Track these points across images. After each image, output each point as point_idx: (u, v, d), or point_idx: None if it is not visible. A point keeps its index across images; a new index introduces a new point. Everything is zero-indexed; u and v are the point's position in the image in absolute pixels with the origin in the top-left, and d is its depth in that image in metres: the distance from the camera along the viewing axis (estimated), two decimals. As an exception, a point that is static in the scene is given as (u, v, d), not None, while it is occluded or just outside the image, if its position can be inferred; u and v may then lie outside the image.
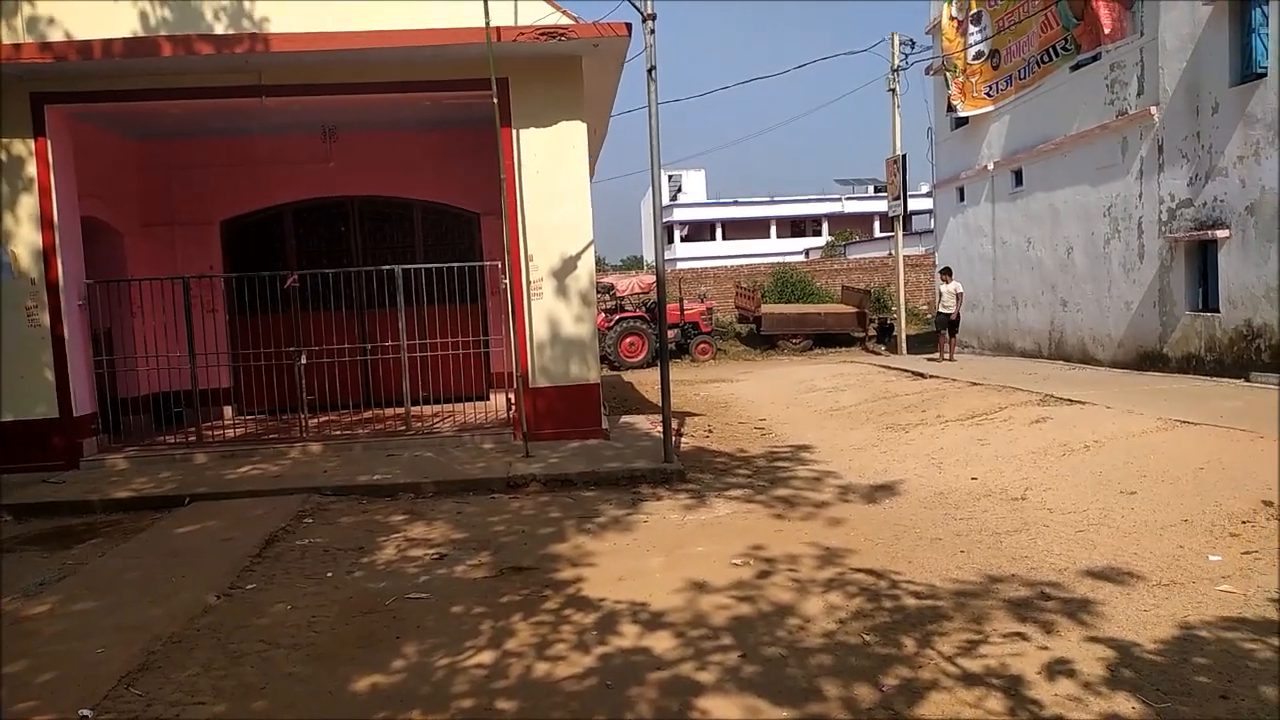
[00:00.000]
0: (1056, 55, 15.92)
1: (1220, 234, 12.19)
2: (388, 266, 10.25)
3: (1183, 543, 5.78)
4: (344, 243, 12.95)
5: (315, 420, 11.03)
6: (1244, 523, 5.95)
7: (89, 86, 9.44)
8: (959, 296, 17.29)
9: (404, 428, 10.41)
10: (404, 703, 3.96)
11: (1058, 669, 4.01)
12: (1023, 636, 4.40)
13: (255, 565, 6.10)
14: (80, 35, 9.00)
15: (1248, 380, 11.63)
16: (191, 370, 10.11)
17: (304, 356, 10.16)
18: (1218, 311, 12.48)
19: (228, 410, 12.18)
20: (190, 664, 4.46)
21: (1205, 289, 12.97)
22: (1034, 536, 6.20)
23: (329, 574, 5.86)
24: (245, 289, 10.77)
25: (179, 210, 12.62)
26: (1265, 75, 11.29)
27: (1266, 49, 11.25)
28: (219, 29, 9.31)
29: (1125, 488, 7.01)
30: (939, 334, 17.82)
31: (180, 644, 4.71)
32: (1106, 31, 14.22)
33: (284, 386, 10.67)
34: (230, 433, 10.74)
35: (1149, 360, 13.87)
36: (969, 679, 3.96)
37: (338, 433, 10.50)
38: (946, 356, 17.44)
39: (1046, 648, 4.25)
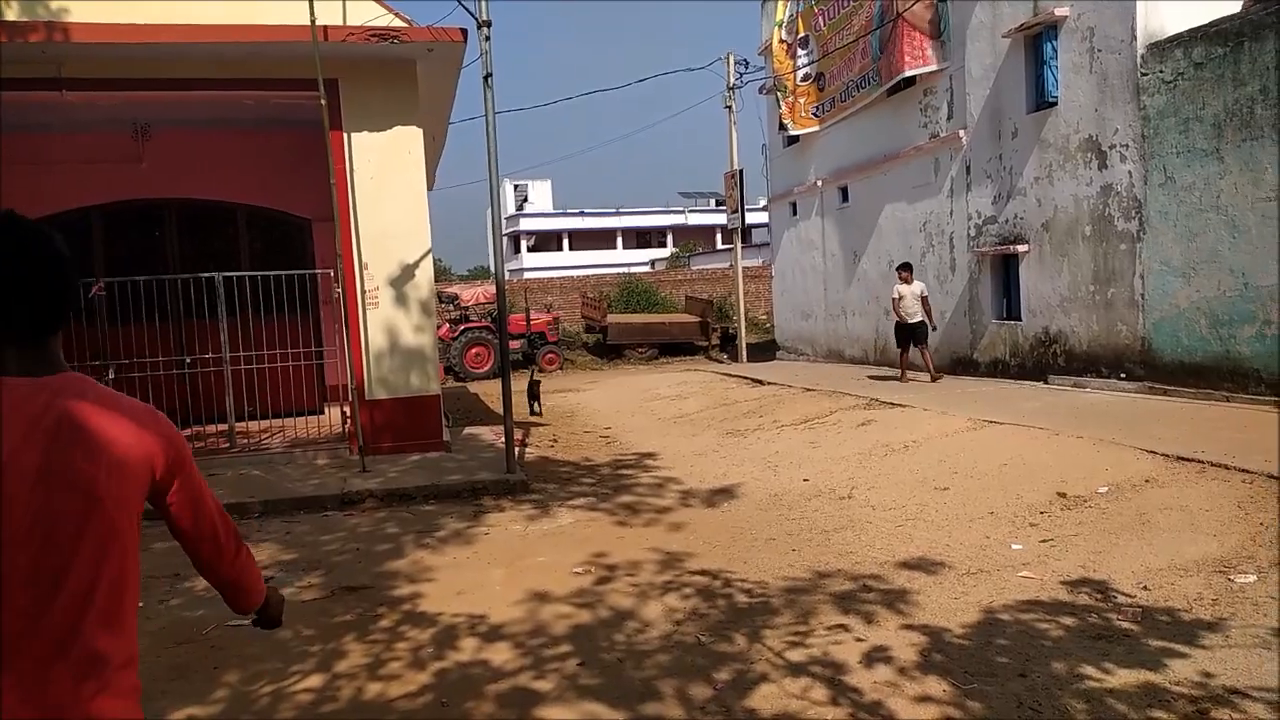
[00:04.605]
0: (869, 84, 16.98)
1: (1020, 248, 13.30)
2: (208, 274, 9.66)
3: (989, 533, 6.25)
4: (159, 249, 12.06)
5: (128, 439, 10.23)
6: (1041, 513, 6.49)
7: None
8: (924, 299, 13.42)
9: (228, 445, 9.83)
10: (222, 736, 3.74)
11: (876, 657, 4.24)
12: (845, 628, 4.64)
13: (54, 599, 5.58)
14: None
15: (1046, 382, 12.72)
16: (-20, 388, 9.17)
17: (111, 371, 9.41)
18: (1020, 320, 13.60)
19: (25, 431, 11.10)
20: (-28, 711, 4.03)
21: (1009, 299, 14.11)
22: (859, 533, 6.54)
23: (140, 604, 5.44)
24: (44, 298, 9.86)
25: (-34, 212, 11.42)
26: (1056, 104, 12.43)
27: (1057, 80, 12.39)
28: (11, 15, 8.52)
29: (939, 484, 7.52)
30: (901, 350, 13.83)
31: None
32: (908, 61, 15.24)
33: (91, 404, 9.82)
34: (28, 455, 9.81)
35: (961, 365, 14.93)
36: (796, 670, 4.13)
37: (153, 452, 9.78)
38: (933, 374, 13.59)
39: (865, 638, 4.49)
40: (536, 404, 14.13)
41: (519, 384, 12.77)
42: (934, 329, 14.00)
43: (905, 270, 13.75)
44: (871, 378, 15.00)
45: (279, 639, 4.81)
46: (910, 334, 13.52)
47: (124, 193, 11.94)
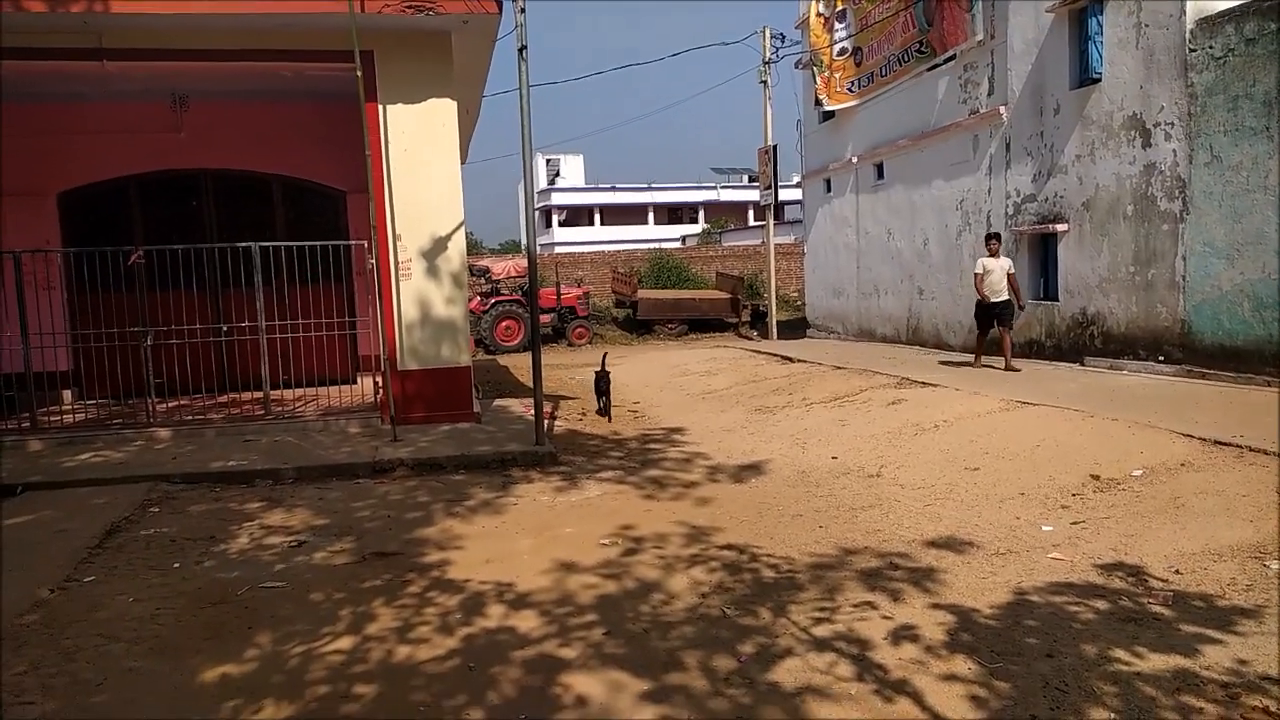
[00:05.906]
0: (913, 57, 16.69)
1: (1060, 228, 13.07)
2: (244, 244, 9.77)
3: (1019, 514, 6.19)
4: (196, 218, 12.22)
5: (165, 405, 10.43)
6: (1073, 495, 6.42)
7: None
8: (1011, 276, 12.11)
9: (263, 412, 9.97)
10: (256, 692, 3.82)
11: (903, 634, 4.23)
12: (872, 605, 4.63)
13: (95, 557, 5.73)
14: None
15: (1082, 364, 12.54)
16: (25, 352, 9.37)
17: (150, 337, 9.58)
18: (1057, 300, 13.38)
19: (67, 394, 11.34)
20: (17, 663, 4.15)
21: (1046, 279, 13.89)
22: (886, 511, 6.51)
23: (176, 564, 5.57)
24: (86, 265, 10.05)
25: (10, 181, 11.63)
26: (1100, 80, 12.14)
27: (1102, 56, 12.09)
28: (53, -16, 8.61)
29: (969, 464, 7.45)
30: (979, 334, 12.68)
31: (5, 642, 4.38)
32: (953, 35, 14.98)
33: (130, 369, 10.03)
34: (70, 418, 10.03)
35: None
36: (821, 645, 4.13)
37: (189, 417, 9.97)
38: (1009, 362, 12.12)
39: (892, 615, 4.47)
40: (605, 399, 11.46)
41: (549, 358, 12.74)
42: (1022, 309, 12.63)
43: (994, 240, 12.33)
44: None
45: (311, 601, 4.92)
46: (994, 314, 12.15)
47: (162, 163, 12.10)
